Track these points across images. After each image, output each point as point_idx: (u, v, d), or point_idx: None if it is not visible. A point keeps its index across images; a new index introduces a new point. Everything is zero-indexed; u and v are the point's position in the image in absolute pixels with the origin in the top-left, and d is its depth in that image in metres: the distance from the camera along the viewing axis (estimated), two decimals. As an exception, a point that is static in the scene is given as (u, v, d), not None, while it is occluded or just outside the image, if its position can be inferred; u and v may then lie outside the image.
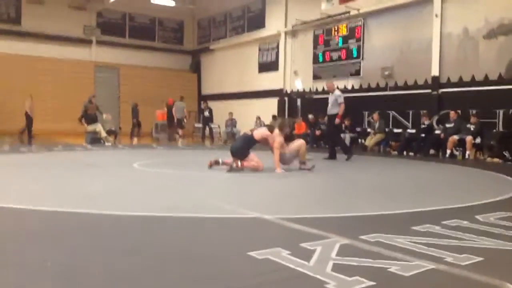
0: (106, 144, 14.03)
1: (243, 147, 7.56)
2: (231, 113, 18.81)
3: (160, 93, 21.51)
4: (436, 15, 13.20)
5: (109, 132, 14.72)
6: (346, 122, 14.85)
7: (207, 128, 18.26)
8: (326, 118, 11.29)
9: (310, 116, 15.96)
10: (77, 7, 21.59)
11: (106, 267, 2.61)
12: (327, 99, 15.90)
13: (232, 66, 21.86)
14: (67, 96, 19.73)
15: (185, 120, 17.74)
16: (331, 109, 9.96)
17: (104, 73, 22.55)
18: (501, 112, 11.65)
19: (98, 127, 14.41)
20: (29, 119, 15.41)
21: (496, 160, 10.53)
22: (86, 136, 14.34)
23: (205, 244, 3.12)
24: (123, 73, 22.81)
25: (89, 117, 14.49)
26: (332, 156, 10.17)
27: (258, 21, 20.30)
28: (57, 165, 8.43)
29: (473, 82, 12.47)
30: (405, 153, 12.38)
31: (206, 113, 18.36)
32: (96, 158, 10.08)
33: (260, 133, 7.70)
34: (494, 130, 11.54)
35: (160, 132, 19.01)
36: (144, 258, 2.75)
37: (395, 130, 13.76)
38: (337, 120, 9.96)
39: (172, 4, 22.21)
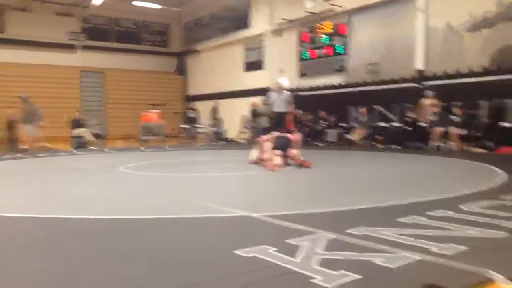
0: (92, 148, 13.92)
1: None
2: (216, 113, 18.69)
3: (146, 96, 21.44)
4: (421, 11, 13.30)
5: (95, 136, 14.63)
6: (332, 118, 14.91)
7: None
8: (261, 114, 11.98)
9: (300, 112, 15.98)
10: (63, 14, 21.39)
11: (100, 273, 2.56)
12: (313, 96, 16.01)
13: (218, 67, 21.83)
14: (53, 102, 19.47)
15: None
16: (284, 107, 10.55)
17: (90, 77, 22.42)
18: (486, 103, 11.76)
19: (83, 131, 14.33)
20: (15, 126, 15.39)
21: (480, 150, 10.66)
22: (72, 141, 14.22)
23: (193, 245, 3.11)
24: (109, 77, 22.70)
25: (75, 122, 14.45)
26: None
27: (243, 22, 20.28)
28: (43, 171, 8.35)
29: (457, 74, 12.59)
30: (392, 146, 12.48)
31: (191, 114, 18.29)
32: (82, 163, 9.98)
33: None
34: (479, 121, 11.65)
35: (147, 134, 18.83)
36: (136, 263, 2.73)
37: (381, 124, 13.83)
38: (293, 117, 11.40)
39: (158, 7, 22.08)
